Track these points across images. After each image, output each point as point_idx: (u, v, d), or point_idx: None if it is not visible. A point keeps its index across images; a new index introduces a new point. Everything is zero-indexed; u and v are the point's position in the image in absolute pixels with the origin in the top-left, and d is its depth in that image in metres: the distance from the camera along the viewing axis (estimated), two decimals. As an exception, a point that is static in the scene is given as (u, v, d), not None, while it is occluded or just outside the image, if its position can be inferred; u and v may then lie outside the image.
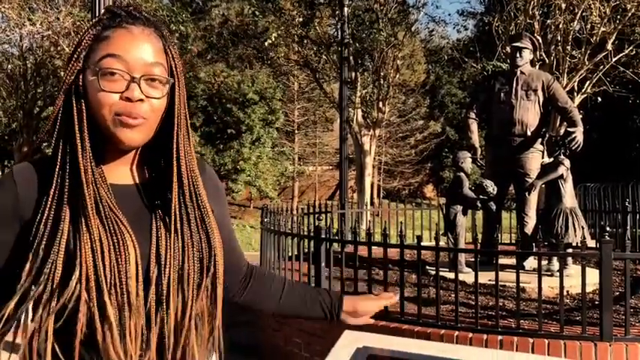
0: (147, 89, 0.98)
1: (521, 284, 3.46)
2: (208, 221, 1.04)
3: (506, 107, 5.18)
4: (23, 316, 0.92)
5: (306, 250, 4.42)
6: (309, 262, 4.35)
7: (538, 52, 7.67)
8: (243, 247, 1.32)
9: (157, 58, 1.00)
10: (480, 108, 5.50)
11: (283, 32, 14.15)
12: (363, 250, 4.01)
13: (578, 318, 3.45)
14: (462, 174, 5.04)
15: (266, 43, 14.59)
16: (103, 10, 1.04)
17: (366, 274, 4.00)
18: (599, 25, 11.05)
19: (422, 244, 3.65)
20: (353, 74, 14.52)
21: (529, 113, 5.12)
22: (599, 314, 3.21)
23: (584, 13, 11.31)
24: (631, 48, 11.59)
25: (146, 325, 0.96)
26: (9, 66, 16.40)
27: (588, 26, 11.36)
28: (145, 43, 0.99)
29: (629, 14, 10.93)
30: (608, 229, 3.27)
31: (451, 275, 4.15)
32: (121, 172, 1.04)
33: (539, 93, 5.13)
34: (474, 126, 5.47)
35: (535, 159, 5.13)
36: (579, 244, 4.07)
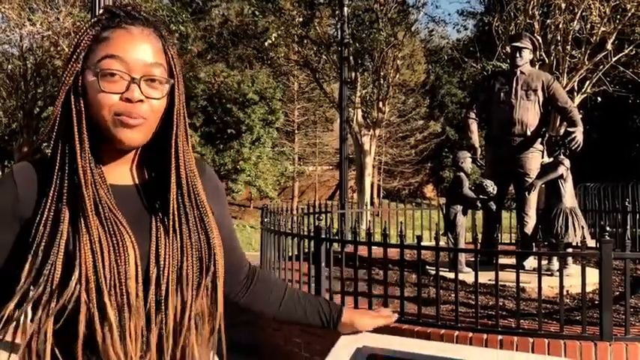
0: (147, 90, 0.98)
1: (521, 284, 3.45)
2: (207, 221, 1.04)
3: (506, 107, 5.18)
4: (23, 317, 0.92)
5: (306, 250, 4.42)
6: (309, 262, 4.35)
7: (538, 52, 7.67)
8: (243, 247, 1.32)
9: (157, 59, 1.00)
10: (479, 108, 5.50)
11: (283, 32, 14.14)
12: (363, 250, 4.00)
13: (578, 318, 3.45)
14: (461, 174, 5.04)
15: (266, 43, 14.59)
16: (101, 10, 1.04)
17: (366, 274, 4.00)
18: (598, 25, 11.05)
19: (422, 244, 3.65)
20: (353, 74, 14.51)
21: (529, 113, 5.12)
22: (599, 314, 3.21)
23: (584, 13, 11.31)
24: (631, 48, 11.59)
25: (146, 325, 0.96)
26: (9, 66, 16.41)
27: (588, 26, 11.35)
28: (145, 44, 0.99)
29: (629, 14, 10.93)
30: (608, 228, 3.26)
31: (451, 275, 4.15)
32: (121, 173, 1.04)
33: (539, 93, 5.13)
34: (473, 126, 5.47)
35: (535, 159, 5.13)
36: (579, 244, 4.07)
